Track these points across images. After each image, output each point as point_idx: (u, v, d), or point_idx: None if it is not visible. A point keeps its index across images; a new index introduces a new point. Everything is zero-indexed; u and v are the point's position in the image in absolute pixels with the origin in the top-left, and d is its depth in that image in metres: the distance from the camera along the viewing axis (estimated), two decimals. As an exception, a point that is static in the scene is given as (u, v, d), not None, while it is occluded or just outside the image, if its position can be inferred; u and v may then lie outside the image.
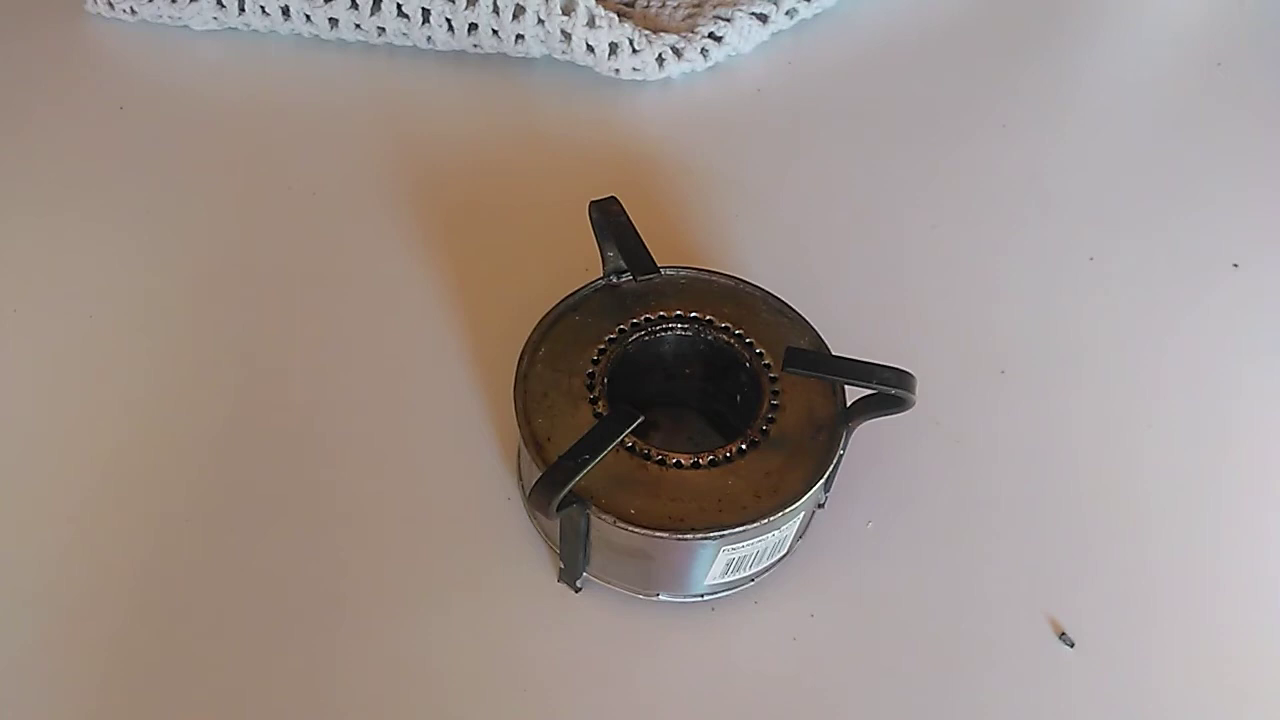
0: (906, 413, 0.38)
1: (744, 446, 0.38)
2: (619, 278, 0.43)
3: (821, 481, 0.38)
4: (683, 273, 0.44)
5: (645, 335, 0.42)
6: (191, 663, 0.38)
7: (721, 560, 0.38)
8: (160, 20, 0.62)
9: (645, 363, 0.42)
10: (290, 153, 0.56)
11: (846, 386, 0.40)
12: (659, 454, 0.38)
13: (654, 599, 0.40)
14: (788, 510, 0.37)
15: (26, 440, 0.44)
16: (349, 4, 0.59)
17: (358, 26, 0.61)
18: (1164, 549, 0.43)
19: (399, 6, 0.59)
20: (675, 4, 0.65)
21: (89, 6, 0.62)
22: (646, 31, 0.60)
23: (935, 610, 0.41)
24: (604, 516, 0.36)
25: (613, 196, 0.43)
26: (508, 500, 0.43)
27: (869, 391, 0.38)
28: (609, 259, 0.43)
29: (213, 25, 0.62)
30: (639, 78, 0.60)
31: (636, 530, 0.36)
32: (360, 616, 0.40)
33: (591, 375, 0.40)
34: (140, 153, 0.56)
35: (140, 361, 0.47)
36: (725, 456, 0.38)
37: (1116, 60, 0.67)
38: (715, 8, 0.63)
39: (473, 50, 0.61)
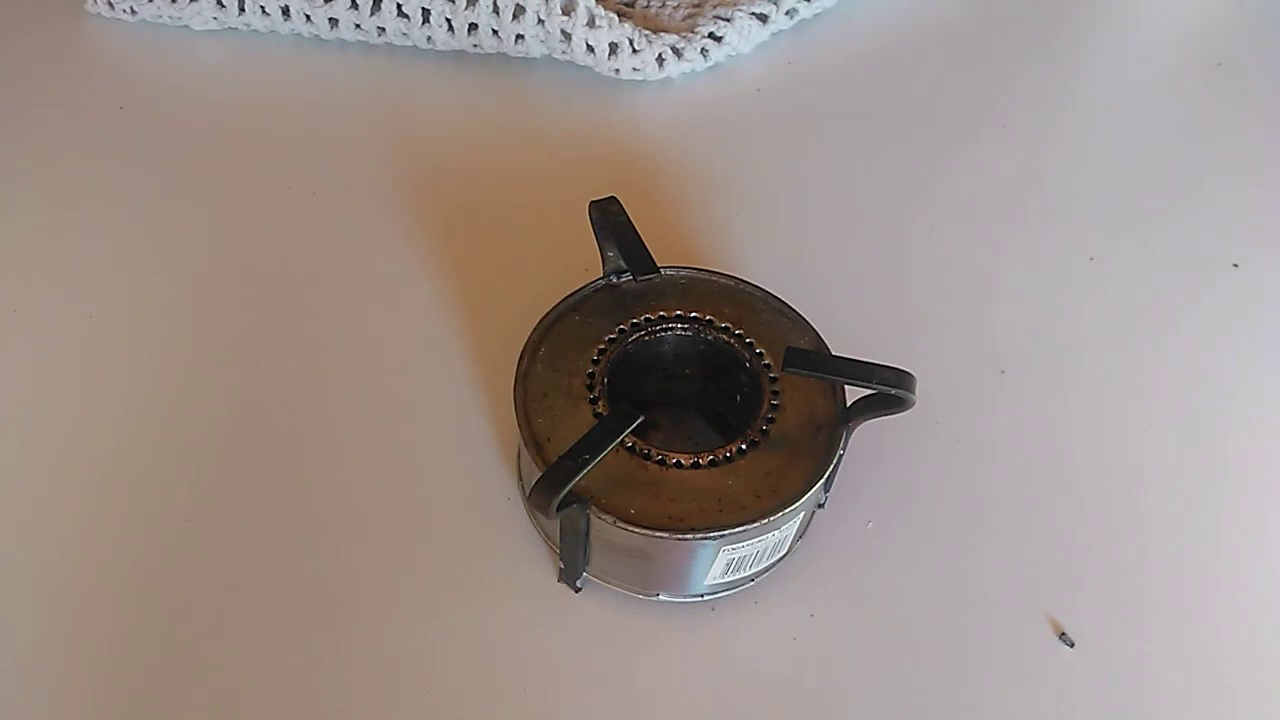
0: (906, 413, 0.38)
1: (744, 446, 0.38)
2: (619, 278, 0.43)
3: (821, 481, 0.38)
4: (683, 273, 0.44)
5: (645, 335, 0.42)
6: (191, 663, 0.38)
7: (721, 560, 0.38)
8: (160, 20, 0.62)
9: (645, 363, 0.42)
10: (290, 153, 0.56)
11: (846, 386, 0.40)
12: (659, 454, 0.38)
13: (654, 599, 0.40)
14: (788, 510, 0.37)
15: (26, 440, 0.44)
16: (349, 4, 0.59)
17: (358, 26, 0.61)
18: (1164, 549, 0.43)
19: (399, 6, 0.59)
20: (675, 4, 0.65)
21: (89, 6, 0.62)
22: (646, 31, 0.60)
23: (935, 610, 0.41)
24: (604, 516, 0.36)
25: (613, 196, 0.43)
26: (508, 500, 0.43)
27: (869, 391, 0.38)
28: (609, 259, 0.43)
29: (213, 25, 0.62)
30: (639, 78, 0.60)
31: (636, 530, 0.36)
32: (360, 616, 0.40)
33: (591, 375, 0.40)
34: (140, 153, 0.56)
35: (140, 361, 0.47)
36: (725, 456, 0.38)
37: (1116, 60, 0.67)
38: (715, 8, 0.63)
39: (473, 50, 0.61)
